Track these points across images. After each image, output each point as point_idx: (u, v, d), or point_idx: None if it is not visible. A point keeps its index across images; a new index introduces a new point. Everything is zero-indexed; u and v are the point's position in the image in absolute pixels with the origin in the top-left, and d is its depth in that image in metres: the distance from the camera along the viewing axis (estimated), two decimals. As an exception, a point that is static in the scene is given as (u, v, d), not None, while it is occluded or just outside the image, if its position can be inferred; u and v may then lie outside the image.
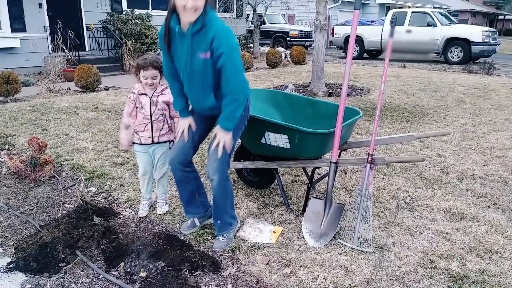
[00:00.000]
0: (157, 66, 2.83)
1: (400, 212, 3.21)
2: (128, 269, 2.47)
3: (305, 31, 18.77)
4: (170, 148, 3.04)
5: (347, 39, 16.31)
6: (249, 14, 18.02)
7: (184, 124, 2.68)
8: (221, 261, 2.56)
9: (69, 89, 8.52)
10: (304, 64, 13.92)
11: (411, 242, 2.77)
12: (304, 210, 3.09)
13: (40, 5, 10.88)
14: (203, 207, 2.90)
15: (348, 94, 7.63)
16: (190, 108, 2.72)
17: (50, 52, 10.69)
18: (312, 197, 3.04)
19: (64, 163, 4.24)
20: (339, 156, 3.10)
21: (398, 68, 12.77)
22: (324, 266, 2.50)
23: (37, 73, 10.71)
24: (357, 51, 15.91)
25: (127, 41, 11.51)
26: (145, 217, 3.12)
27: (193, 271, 2.43)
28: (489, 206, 3.34)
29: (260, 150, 3.14)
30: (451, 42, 13.93)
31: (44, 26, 10.82)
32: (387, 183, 3.77)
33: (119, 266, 2.50)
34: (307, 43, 18.41)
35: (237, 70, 2.35)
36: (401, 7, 23.53)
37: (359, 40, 15.67)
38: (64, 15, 11.12)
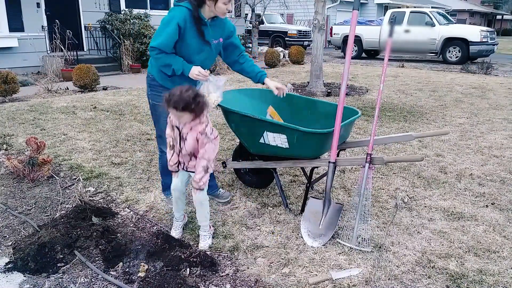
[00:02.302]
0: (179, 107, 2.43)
1: (399, 212, 3.21)
2: (127, 269, 2.47)
3: (303, 31, 18.78)
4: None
5: (345, 39, 16.33)
6: (247, 14, 18.02)
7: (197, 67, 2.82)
8: (219, 261, 2.56)
9: (67, 89, 8.51)
10: (303, 64, 13.92)
11: (409, 242, 2.78)
12: (302, 210, 3.09)
13: (38, 4, 10.85)
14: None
15: (346, 94, 7.63)
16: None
17: (48, 52, 10.67)
18: (311, 196, 3.04)
19: (62, 163, 4.23)
20: (337, 156, 3.10)
21: (396, 68, 12.79)
22: (323, 265, 2.51)
23: (35, 73, 10.69)
24: (356, 50, 15.92)
25: (125, 41, 11.50)
26: (144, 216, 3.12)
27: (191, 271, 2.43)
28: (487, 206, 3.34)
29: (259, 149, 3.14)
30: (449, 42, 13.96)
31: (42, 26, 10.80)
32: (386, 183, 3.78)
33: (118, 266, 2.50)
34: (306, 43, 18.43)
35: None
36: (400, 7, 23.55)
37: (358, 40, 15.68)
38: (62, 14, 11.10)
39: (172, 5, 13.76)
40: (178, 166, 2.72)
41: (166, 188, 3.33)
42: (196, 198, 2.67)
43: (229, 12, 2.86)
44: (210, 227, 2.79)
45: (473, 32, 13.72)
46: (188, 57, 2.85)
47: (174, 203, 2.82)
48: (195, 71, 2.79)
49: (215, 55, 3.07)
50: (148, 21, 12.32)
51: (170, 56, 2.78)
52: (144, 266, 2.46)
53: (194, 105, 2.39)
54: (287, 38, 18.37)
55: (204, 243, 2.72)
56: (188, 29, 2.78)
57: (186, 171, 2.71)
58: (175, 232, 2.86)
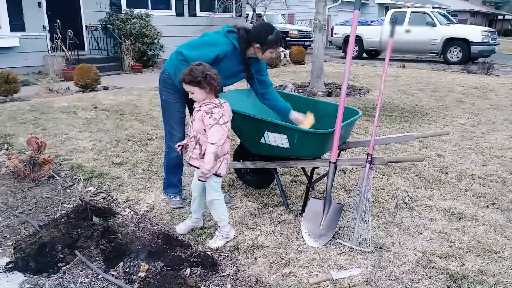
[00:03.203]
0: (187, 80, 2.50)
1: (399, 212, 3.21)
2: (127, 269, 2.47)
3: (304, 31, 18.77)
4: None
5: (346, 39, 16.32)
6: (248, 14, 18.01)
7: None
8: (220, 261, 2.56)
9: (68, 88, 8.51)
10: (304, 64, 13.92)
11: (410, 242, 2.78)
12: (303, 210, 3.09)
13: (39, 4, 10.85)
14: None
15: (347, 94, 7.62)
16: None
17: (49, 51, 10.67)
18: (311, 197, 3.04)
19: (63, 163, 4.23)
20: (338, 156, 3.10)
21: (397, 68, 12.77)
22: (323, 266, 2.50)
23: (36, 72, 10.69)
24: (357, 51, 15.90)
25: (126, 41, 11.50)
26: (144, 216, 3.12)
27: (192, 271, 2.43)
28: (488, 206, 3.34)
29: (260, 149, 3.14)
30: (450, 42, 13.94)
31: (43, 26, 10.80)
32: (386, 183, 3.77)
33: (118, 266, 2.50)
34: (307, 43, 18.40)
35: None
36: (401, 7, 23.53)
37: (359, 40, 15.67)
38: (64, 14, 11.10)
39: (173, 3, 13.50)
40: (182, 149, 2.74)
41: (168, 185, 3.32)
42: (206, 196, 2.69)
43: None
44: (230, 229, 2.79)
45: (474, 32, 13.70)
46: None
47: (192, 202, 2.86)
48: None
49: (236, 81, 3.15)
50: (149, 21, 12.31)
51: None
52: (144, 266, 2.46)
53: (201, 78, 2.44)
54: (288, 38, 18.34)
55: (212, 241, 2.73)
56: (224, 60, 2.84)
57: (188, 163, 2.69)
58: (180, 228, 2.87)
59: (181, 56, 2.79)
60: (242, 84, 3.33)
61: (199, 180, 2.53)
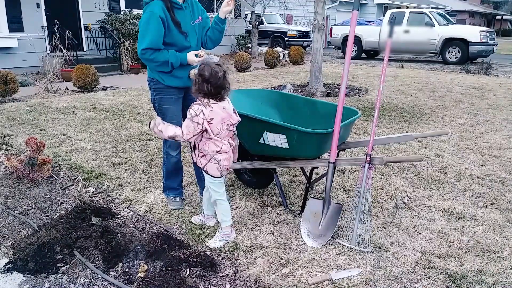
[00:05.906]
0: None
1: (398, 212, 3.21)
2: (126, 270, 2.47)
3: (303, 31, 18.77)
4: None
5: (345, 39, 16.32)
6: (247, 14, 18.02)
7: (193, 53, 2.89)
8: (219, 261, 2.56)
9: (67, 89, 8.50)
10: (302, 64, 13.92)
11: (409, 242, 2.78)
12: (302, 210, 3.10)
13: (38, 5, 10.85)
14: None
15: (346, 94, 7.63)
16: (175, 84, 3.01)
17: (48, 52, 10.67)
18: (311, 197, 3.04)
19: (62, 163, 4.23)
20: (337, 156, 3.10)
21: (396, 68, 12.78)
22: (322, 266, 2.51)
23: (35, 73, 10.68)
24: (355, 51, 15.91)
25: (125, 41, 11.49)
26: (143, 217, 3.12)
27: (191, 271, 2.43)
28: (486, 206, 3.34)
29: (259, 150, 3.14)
30: (449, 42, 13.96)
31: (42, 26, 10.80)
32: (385, 183, 3.78)
33: (117, 267, 2.50)
34: (305, 43, 18.42)
35: None
36: (399, 7, 23.54)
37: (357, 40, 15.68)
38: (62, 15, 11.10)
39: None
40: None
41: (167, 189, 3.33)
42: (211, 196, 2.75)
43: None
44: (231, 232, 2.79)
45: (472, 33, 13.72)
46: (180, 44, 2.88)
47: (203, 202, 2.98)
48: (192, 57, 2.86)
49: (200, 36, 3.07)
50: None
51: (163, 52, 2.81)
52: (143, 266, 2.46)
53: (200, 76, 2.47)
54: (287, 39, 18.36)
55: (211, 241, 2.74)
56: (171, 17, 2.80)
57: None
58: (193, 218, 3.06)
59: (144, 53, 2.77)
60: (242, 85, 3.33)
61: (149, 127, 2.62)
